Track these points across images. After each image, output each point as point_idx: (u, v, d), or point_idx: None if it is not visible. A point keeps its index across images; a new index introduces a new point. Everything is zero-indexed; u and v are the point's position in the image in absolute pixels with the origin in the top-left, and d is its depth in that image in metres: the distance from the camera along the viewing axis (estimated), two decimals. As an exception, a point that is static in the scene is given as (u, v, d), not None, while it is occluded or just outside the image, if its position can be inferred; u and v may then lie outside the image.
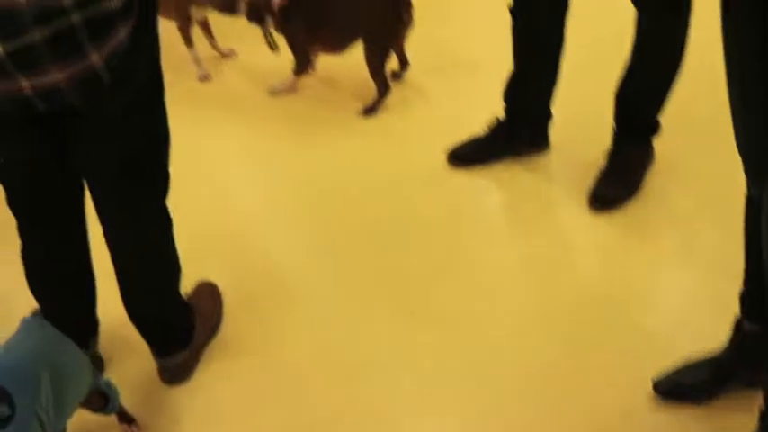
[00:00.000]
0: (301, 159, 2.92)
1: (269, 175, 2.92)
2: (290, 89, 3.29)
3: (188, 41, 3.41)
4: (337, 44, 3.13)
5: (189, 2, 3.31)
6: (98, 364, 2.16)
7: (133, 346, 2.13)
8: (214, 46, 3.56)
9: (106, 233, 1.88)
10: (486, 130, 2.74)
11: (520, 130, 2.70)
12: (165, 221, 1.93)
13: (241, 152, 3.04)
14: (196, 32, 3.41)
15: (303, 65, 3.22)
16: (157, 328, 2.05)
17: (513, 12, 2.48)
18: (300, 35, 3.14)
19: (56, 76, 1.44)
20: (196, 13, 3.36)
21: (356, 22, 3.05)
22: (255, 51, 3.33)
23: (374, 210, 2.64)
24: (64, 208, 1.86)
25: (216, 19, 3.42)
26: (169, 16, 3.24)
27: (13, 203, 1.82)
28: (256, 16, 3.14)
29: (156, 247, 1.94)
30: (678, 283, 2.30)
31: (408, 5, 3.02)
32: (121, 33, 1.48)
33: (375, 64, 3.05)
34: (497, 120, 2.72)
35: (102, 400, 1.85)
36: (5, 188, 1.79)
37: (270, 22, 3.13)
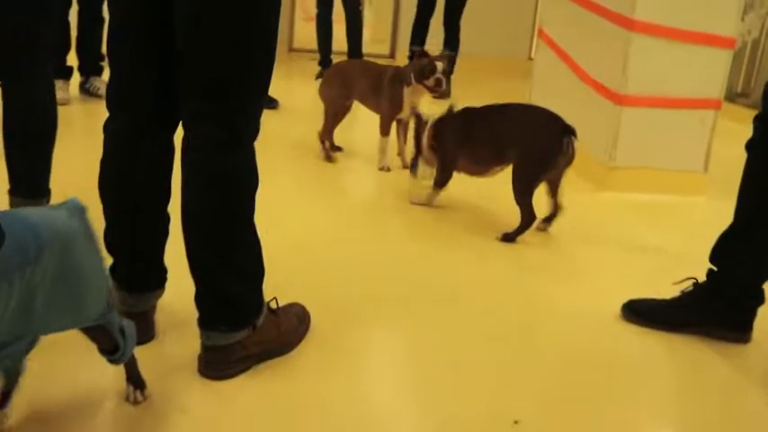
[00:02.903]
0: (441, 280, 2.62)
1: (392, 279, 2.63)
2: (428, 202, 3.23)
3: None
4: (482, 162, 3.04)
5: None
6: (148, 327, 1.91)
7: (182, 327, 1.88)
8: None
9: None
10: (679, 293, 2.28)
11: (718, 302, 2.20)
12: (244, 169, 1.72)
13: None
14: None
15: (444, 179, 3.16)
16: (212, 287, 1.76)
17: (750, 146, 2.10)
18: (449, 148, 3.11)
19: None
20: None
21: (505, 140, 2.93)
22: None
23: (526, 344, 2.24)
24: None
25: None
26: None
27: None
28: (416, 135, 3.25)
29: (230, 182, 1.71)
30: None
31: (571, 136, 2.82)
32: None
33: (520, 187, 2.85)
34: (694, 282, 2.25)
35: (109, 341, 1.56)
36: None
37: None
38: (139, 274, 1.88)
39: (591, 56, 3.88)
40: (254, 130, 1.72)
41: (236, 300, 1.78)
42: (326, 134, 3.87)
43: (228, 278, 1.76)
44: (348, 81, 3.81)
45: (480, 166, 3.08)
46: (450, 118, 3.14)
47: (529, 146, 2.88)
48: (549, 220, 3.04)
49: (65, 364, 1.81)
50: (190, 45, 1.62)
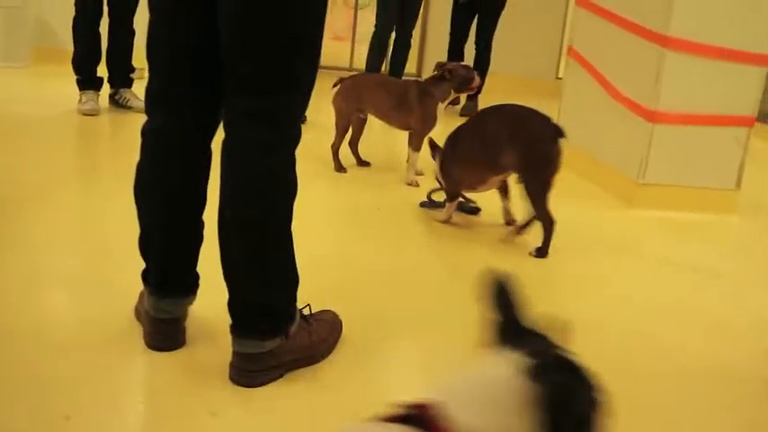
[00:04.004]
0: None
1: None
2: (446, 218, 3.17)
3: None
4: (477, 173, 3.00)
5: None
6: (179, 334, 1.90)
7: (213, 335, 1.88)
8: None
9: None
10: None
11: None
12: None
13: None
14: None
15: (453, 193, 3.12)
16: (248, 294, 1.75)
17: None
18: (445, 163, 3.10)
19: None
20: None
21: (496, 147, 2.87)
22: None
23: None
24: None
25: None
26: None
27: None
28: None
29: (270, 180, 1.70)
30: None
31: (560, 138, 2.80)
32: None
33: (533, 196, 2.79)
34: None
35: None
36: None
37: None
38: (172, 280, 1.87)
39: (623, 73, 3.85)
40: (297, 133, 1.72)
41: (270, 308, 1.77)
42: (338, 145, 3.83)
43: (264, 285, 1.75)
44: (364, 95, 3.79)
45: (476, 177, 3.02)
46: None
47: (529, 151, 2.81)
48: (525, 226, 2.96)
49: (99, 364, 1.80)
50: (235, 43, 1.62)
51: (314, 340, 1.89)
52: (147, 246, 1.86)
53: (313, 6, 1.65)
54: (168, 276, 1.87)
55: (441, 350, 2.08)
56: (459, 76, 3.68)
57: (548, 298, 2.53)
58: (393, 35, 5.65)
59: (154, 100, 1.78)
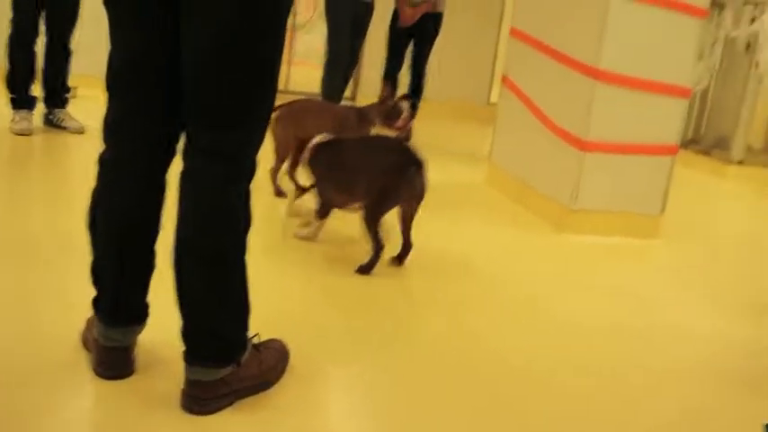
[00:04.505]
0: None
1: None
2: (313, 236, 3.22)
3: None
4: (344, 193, 3.05)
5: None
6: (128, 362, 1.91)
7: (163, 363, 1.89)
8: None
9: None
10: None
11: None
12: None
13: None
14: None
15: (324, 210, 3.15)
16: (202, 321, 1.78)
17: None
18: (319, 176, 3.14)
19: None
20: None
21: (356, 175, 2.95)
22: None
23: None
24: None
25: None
26: None
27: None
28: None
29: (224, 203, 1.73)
30: None
31: (417, 168, 2.83)
32: None
33: (366, 220, 2.85)
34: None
35: None
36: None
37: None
38: (123, 309, 1.88)
39: (555, 103, 4.00)
40: (253, 166, 1.76)
41: (224, 335, 1.80)
42: (277, 169, 3.85)
43: (219, 313, 1.78)
44: (304, 121, 3.79)
45: (342, 196, 3.08)
46: (324, 145, 3.15)
47: (373, 179, 2.87)
48: (400, 258, 3.03)
49: (47, 396, 1.80)
50: (198, 75, 1.65)
51: (263, 368, 1.92)
52: (98, 274, 1.87)
53: (281, 42, 1.70)
54: (119, 305, 1.88)
55: (389, 375, 2.14)
56: (384, 108, 3.74)
57: (481, 321, 2.62)
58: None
59: (113, 130, 1.79)
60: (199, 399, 1.79)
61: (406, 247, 3.02)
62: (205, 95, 1.67)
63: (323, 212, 3.15)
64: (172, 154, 1.81)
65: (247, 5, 1.60)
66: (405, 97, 3.93)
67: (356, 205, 3.03)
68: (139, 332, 1.93)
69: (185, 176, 1.72)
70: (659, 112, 3.77)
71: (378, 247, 2.88)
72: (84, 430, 1.74)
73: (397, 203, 2.91)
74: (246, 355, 1.85)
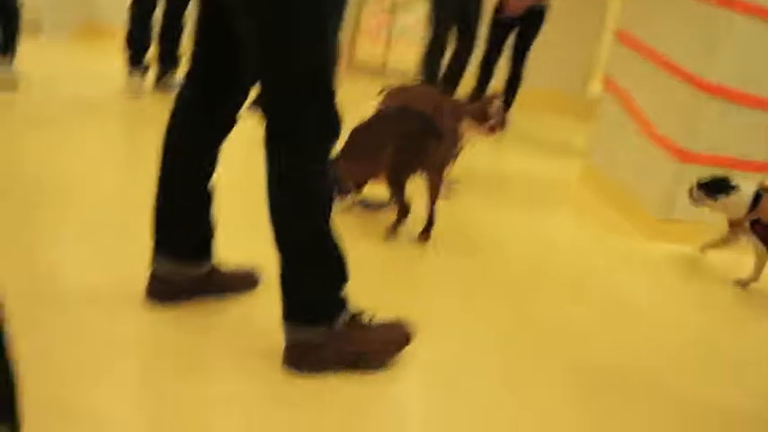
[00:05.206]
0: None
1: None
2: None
3: None
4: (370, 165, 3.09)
5: None
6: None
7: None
8: None
9: None
10: None
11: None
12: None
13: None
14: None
15: (346, 188, 3.17)
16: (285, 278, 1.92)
17: None
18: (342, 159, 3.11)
19: None
20: None
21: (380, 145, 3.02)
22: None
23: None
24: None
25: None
26: None
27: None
28: None
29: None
30: None
31: (440, 144, 2.94)
32: None
33: (392, 184, 2.99)
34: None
35: None
36: None
37: None
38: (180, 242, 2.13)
39: (659, 110, 3.95)
40: (320, 133, 1.87)
41: (306, 295, 1.94)
42: None
43: (299, 272, 1.92)
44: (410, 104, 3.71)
45: (366, 168, 3.12)
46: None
47: (394, 148, 2.97)
48: (425, 232, 3.08)
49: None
50: (252, 49, 1.84)
51: (370, 348, 2.00)
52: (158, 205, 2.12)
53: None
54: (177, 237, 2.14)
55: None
56: (478, 108, 3.74)
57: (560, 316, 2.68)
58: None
59: (190, 70, 2.04)
60: (290, 357, 1.94)
61: (430, 221, 3.06)
62: (262, 65, 1.87)
63: (346, 189, 3.18)
64: (238, 102, 2.07)
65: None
66: (499, 96, 3.87)
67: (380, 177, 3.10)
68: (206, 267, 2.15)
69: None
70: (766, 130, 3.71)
71: (401, 211, 2.99)
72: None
73: (416, 170, 3.00)
74: (341, 323, 1.94)
